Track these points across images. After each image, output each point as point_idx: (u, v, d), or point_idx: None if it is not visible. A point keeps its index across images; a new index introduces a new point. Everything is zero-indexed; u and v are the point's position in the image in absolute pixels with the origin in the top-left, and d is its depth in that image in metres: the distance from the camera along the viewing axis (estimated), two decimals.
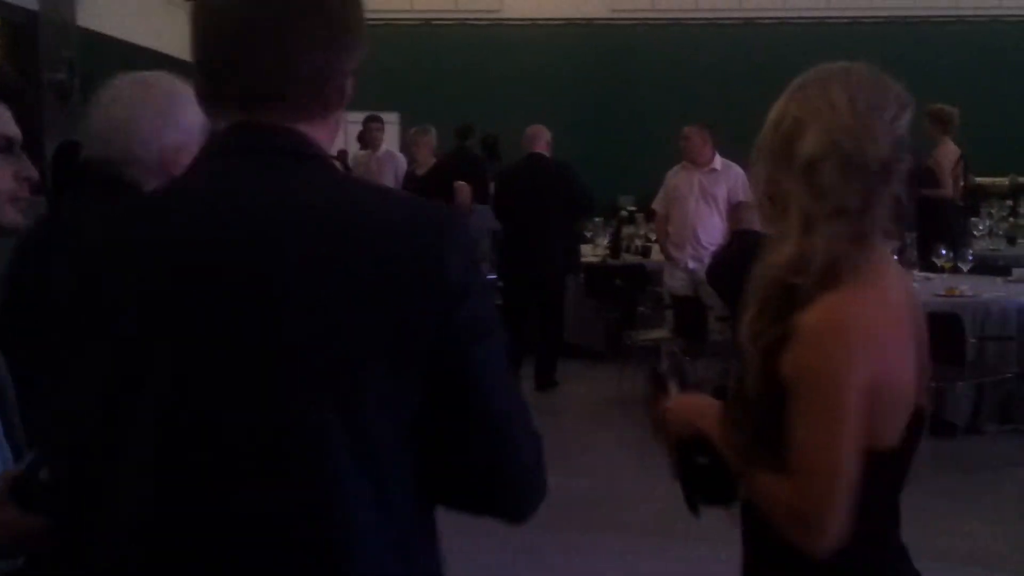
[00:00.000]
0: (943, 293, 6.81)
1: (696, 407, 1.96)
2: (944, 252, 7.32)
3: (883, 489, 1.75)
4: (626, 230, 9.80)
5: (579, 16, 12.89)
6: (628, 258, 9.36)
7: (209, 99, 1.42)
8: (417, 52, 12.64)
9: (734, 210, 7.05)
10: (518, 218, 7.90)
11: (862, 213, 1.72)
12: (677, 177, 7.86)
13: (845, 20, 12.56)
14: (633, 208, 10.23)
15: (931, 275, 7.38)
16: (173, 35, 11.27)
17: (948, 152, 8.49)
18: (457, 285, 1.31)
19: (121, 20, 9.76)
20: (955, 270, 7.35)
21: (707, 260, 7.20)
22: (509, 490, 1.41)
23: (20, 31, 8.12)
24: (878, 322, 1.70)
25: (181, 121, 2.29)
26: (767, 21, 12.71)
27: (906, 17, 12.57)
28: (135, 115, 2.30)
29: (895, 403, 1.70)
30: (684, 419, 1.95)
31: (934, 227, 7.90)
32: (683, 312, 7.55)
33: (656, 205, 8.03)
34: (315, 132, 1.41)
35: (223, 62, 1.38)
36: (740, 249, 6.62)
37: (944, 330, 6.22)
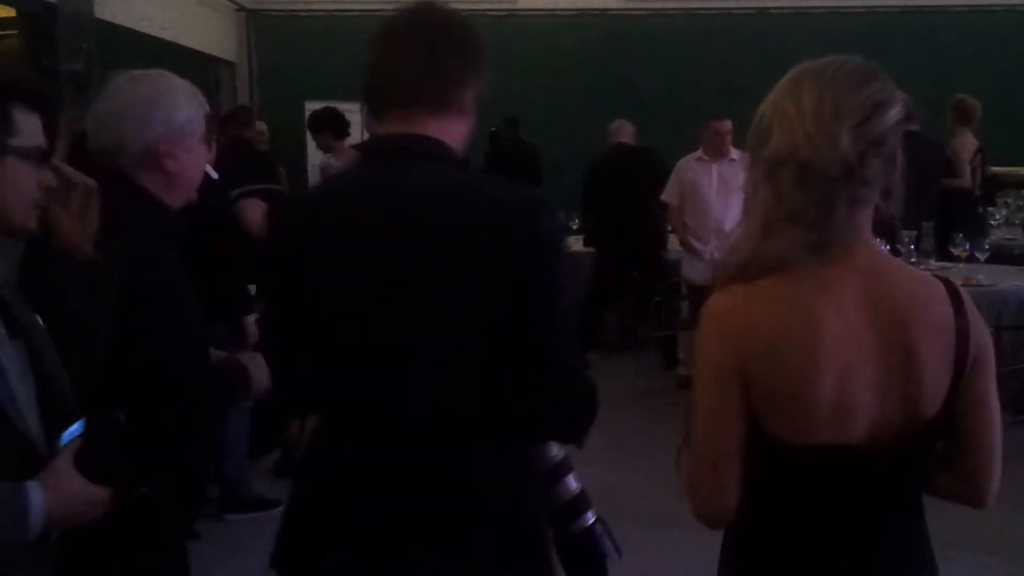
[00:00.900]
0: (960, 283, 6.79)
1: None
2: (961, 241, 7.31)
3: (806, 484, 1.77)
4: None
5: (593, 7, 12.87)
6: None
7: (373, 111, 2.02)
8: None
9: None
10: (609, 201, 8.67)
11: (822, 220, 1.71)
12: (692, 169, 7.82)
13: (860, 9, 12.50)
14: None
15: (948, 264, 7.36)
16: (189, 26, 11.32)
17: (966, 143, 8.47)
18: (543, 243, 1.90)
19: (138, 11, 9.79)
20: (972, 259, 7.32)
21: None
22: (569, 397, 1.99)
23: (38, 22, 8.14)
24: (759, 317, 1.72)
25: (171, 117, 2.41)
26: (782, 11, 12.65)
27: (922, 7, 12.50)
28: (126, 109, 2.40)
29: (794, 402, 1.71)
30: None
31: (951, 217, 7.88)
32: (700, 301, 7.55)
33: (669, 198, 7.96)
34: (448, 137, 1.99)
35: (386, 84, 2.01)
36: None
37: None
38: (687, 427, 1.82)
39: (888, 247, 6.64)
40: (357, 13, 12.82)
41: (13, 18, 8.26)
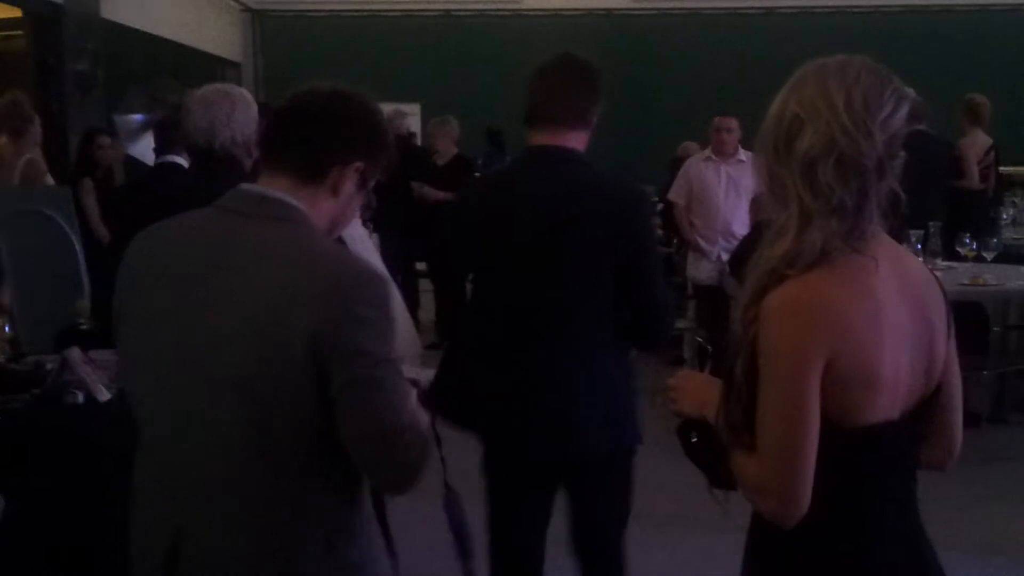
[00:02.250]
0: (967, 282, 6.78)
1: (702, 388, 2.04)
2: (968, 241, 7.29)
3: (861, 465, 1.84)
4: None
5: (600, 7, 12.87)
6: None
7: (530, 125, 3.06)
8: (438, 43, 12.66)
9: (755, 201, 7.02)
10: None
11: (858, 210, 1.80)
12: (700, 169, 7.81)
13: (867, 8, 12.49)
14: (656, 199, 10.22)
15: (955, 264, 7.35)
16: (195, 27, 11.33)
17: (975, 143, 8.43)
18: (643, 218, 3.13)
19: (144, 12, 9.81)
20: (979, 259, 7.31)
21: None
22: (659, 319, 3.14)
23: (45, 23, 8.17)
24: (841, 304, 1.77)
25: (239, 118, 3.53)
26: (789, 11, 12.64)
27: (929, 6, 12.48)
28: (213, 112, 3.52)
29: (864, 383, 1.77)
30: (689, 399, 2.05)
31: (959, 216, 7.86)
32: (706, 301, 7.54)
33: (676, 197, 7.95)
34: (579, 145, 3.07)
35: (538, 106, 3.02)
36: (761, 239, 6.61)
37: (968, 319, 6.20)
38: (739, 430, 1.84)
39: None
40: (363, 14, 12.85)
41: (19, 18, 8.28)
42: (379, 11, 12.81)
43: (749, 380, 1.82)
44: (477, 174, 9.63)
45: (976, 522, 5.13)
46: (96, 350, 4.46)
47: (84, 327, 5.33)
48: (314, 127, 1.99)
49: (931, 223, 7.29)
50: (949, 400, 1.97)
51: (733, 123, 7.66)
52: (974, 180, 8.35)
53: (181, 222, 2.03)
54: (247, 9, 12.95)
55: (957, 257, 7.39)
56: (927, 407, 1.91)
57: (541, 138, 3.03)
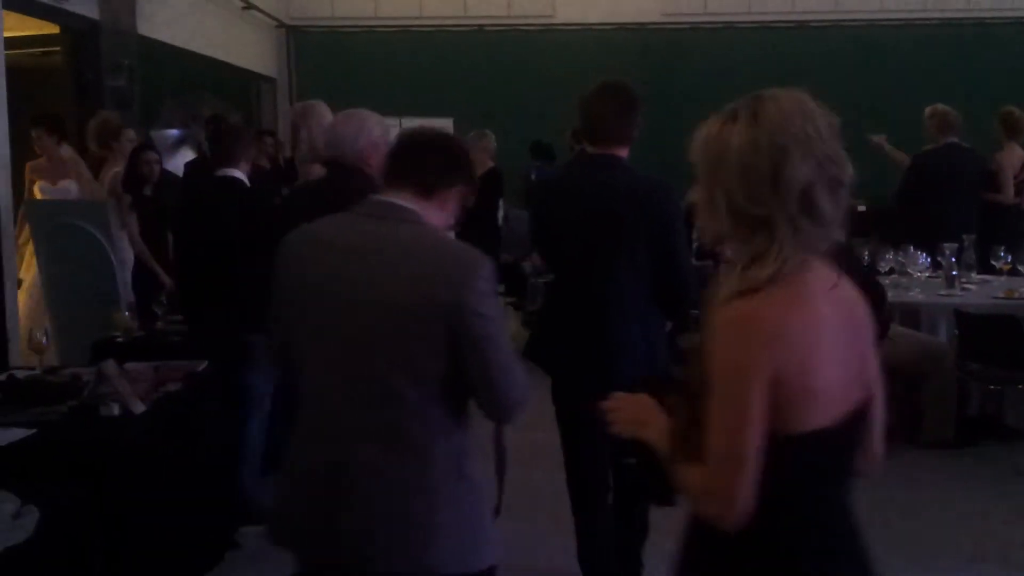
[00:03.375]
0: (1002, 296, 6.74)
1: (638, 409, 2.13)
2: (1003, 254, 7.24)
3: (799, 470, 1.95)
4: None
5: (631, 21, 12.86)
6: None
7: (586, 139, 4.17)
8: (470, 58, 12.70)
9: None
10: None
11: (840, 226, 1.96)
12: None
13: (900, 22, 12.43)
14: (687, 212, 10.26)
15: (989, 277, 7.30)
16: (230, 43, 11.43)
17: (1012, 156, 8.37)
18: (672, 204, 3.99)
19: (180, 28, 9.90)
20: (1014, 272, 7.26)
21: None
22: (686, 290, 3.94)
23: (82, 39, 8.24)
24: (786, 322, 1.88)
25: (369, 135, 4.32)
26: (821, 23, 12.59)
27: (961, 19, 12.40)
28: (344, 130, 4.37)
29: (804, 395, 1.88)
30: (626, 421, 2.15)
31: (993, 229, 7.81)
32: None
33: None
34: (623, 153, 4.05)
35: (592, 127, 4.07)
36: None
37: (1002, 333, 6.15)
38: (685, 438, 1.97)
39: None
40: (396, 29, 12.91)
41: (57, 35, 8.37)
42: (412, 26, 12.87)
43: (702, 392, 1.92)
44: (532, 177, 10.23)
45: (1012, 537, 5.09)
46: (131, 362, 4.51)
47: (120, 339, 5.40)
48: (429, 158, 2.64)
49: (965, 236, 7.25)
50: (876, 411, 2.08)
51: None
52: (1010, 194, 8.28)
53: (330, 222, 2.65)
54: (281, 25, 13.04)
55: (992, 270, 7.34)
56: (862, 417, 2.02)
57: (596, 149, 4.06)
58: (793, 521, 1.98)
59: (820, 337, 1.90)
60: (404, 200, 2.57)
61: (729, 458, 1.89)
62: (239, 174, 5.11)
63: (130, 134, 7.67)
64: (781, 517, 1.95)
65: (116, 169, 7.32)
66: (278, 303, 2.66)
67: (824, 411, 1.91)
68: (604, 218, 3.90)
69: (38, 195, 7.36)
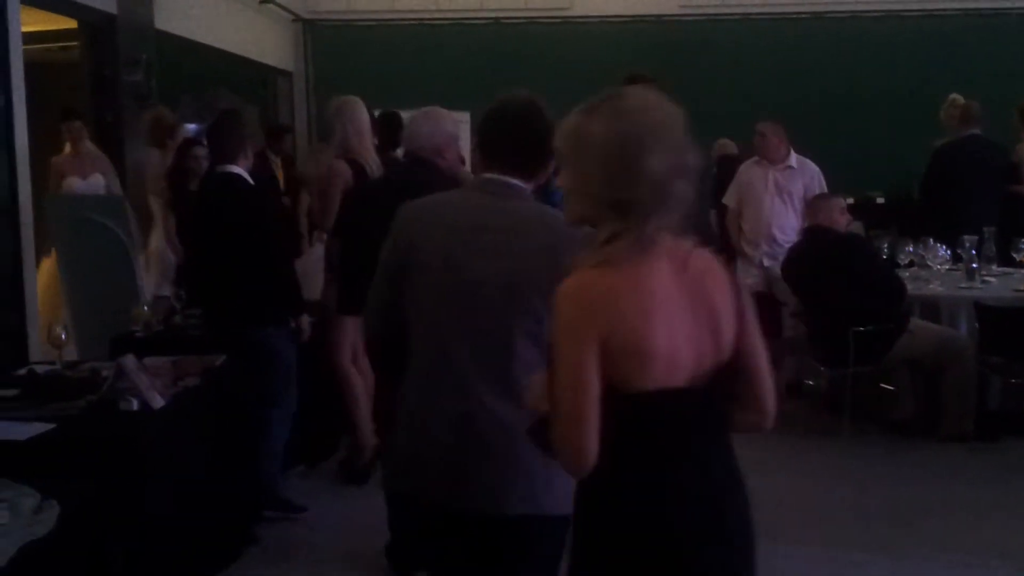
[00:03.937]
0: (1022, 288, 6.69)
1: (541, 384, 2.30)
2: (1023, 247, 7.19)
3: (646, 425, 2.18)
4: None
5: (649, 12, 12.80)
6: None
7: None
8: (487, 51, 12.66)
9: (810, 206, 6.96)
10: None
11: (690, 205, 2.20)
12: (751, 173, 7.77)
13: (920, 12, 12.33)
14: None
15: (1010, 270, 7.25)
16: (246, 37, 11.44)
17: None
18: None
19: (196, 23, 9.90)
20: None
21: (781, 257, 7.13)
22: None
23: (99, 33, 8.25)
24: (615, 293, 2.12)
25: (443, 130, 4.67)
26: (838, 15, 12.51)
27: (980, 10, 12.31)
28: (422, 126, 4.70)
29: (637, 356, 2.12)
30: (533, 395, 2.35)
31: (1013, 222, 7.75)
32: (756, 308, 7.46)
33: (728, 200, 7.92)
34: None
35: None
36: (814, 245, 6.57)
37: (1020, 325, 6.11)
38: (548, 399, 2.18)
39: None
40: (413, 22, 12.90)
41: (74, 29, 8.39)
42: (428, 19, 12.84)
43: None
44: None
45: (979, 527, 5.06)
46: (150, 357, 4.52)
47: (139, 334, 5.41)
48: (522, 136, 2.85)
49: (985, 228, 7.20)
50: (753, 370, 2.29)
51: (768, 128, 7.62)
52: None
53: (445, 198, 2.96)
54: (298, 19, 13.04)
55: (1012, 263, 7.30)
56: (725, 378, 2.24)
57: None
58: (633, 470, 2.18)
59: (655, 306, 2.14)
60: (511, 177, 2.84)
61: (570, 414, 2.12)
62: (238, 170, 5.08)
63: (184, 130, 7.73)
64: (623, 466, 2.16)
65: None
66: (392, 267, 2.86)
67: (666, 373, 2.14)
68: None
69: (65, 189, 7.39)
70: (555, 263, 2.56)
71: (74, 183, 7.36)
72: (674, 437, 2.21)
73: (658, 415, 2.18)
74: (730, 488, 2.29)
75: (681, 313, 2.17)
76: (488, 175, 2.87)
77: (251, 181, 5.15)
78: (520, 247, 2.74)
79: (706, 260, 2.27)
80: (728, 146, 9.50)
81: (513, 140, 2.87)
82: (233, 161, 5.07)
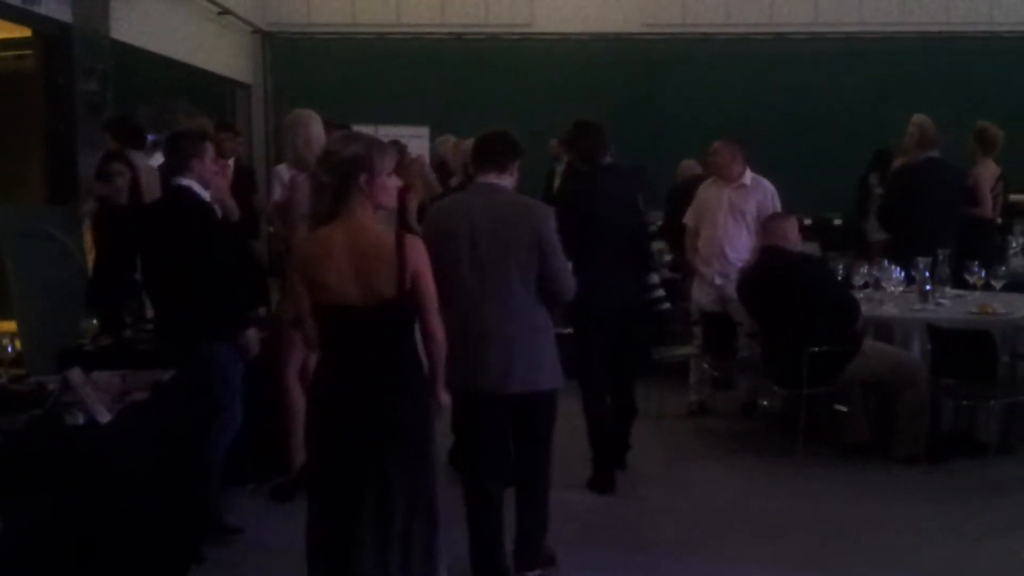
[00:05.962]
0: (975, 311, 6.74)
1: None
2: (977, 269, 7.25)
3: (331, 325, 3.70)
4: (655, 244, 9.70)
5: (610, 30, 12.86)
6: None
7: (583, 157, 6.25)
8: (448, 65, 12.66)
9: (764, 226, 6.96)
10: None
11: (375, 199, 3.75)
12: (708, 192, 7.77)
13: (878, 35, 12.47)
14: (662, 223, 10.18)
15: (964, 292, 7.31)
16: (205, 48, 11.35)
17: (988, 171, 8.37)
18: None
19: (154, 33, 9.81)
20: (988, 287, 7.28)
21: (734, 276, 7.14)
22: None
23: (54, 43, 8.15)
24: (310, 248, 3.68)
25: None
26: (799, 35, 12.63)
27: (942, 32, 12.46)
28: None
29: (319, 286, 3.63)
30: None
31: (968, 244, 7.81)
32: (712, 328, 7.49)
33: (687, 219, 7.91)
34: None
35: (587, 148, 6.22)
36: (769, 265, 6.58)
37: (976, 347, 6.15)
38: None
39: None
40: (373, 35, 12.86)
41: (28, 38, 8.28)
42: (388, 33, 12.82)
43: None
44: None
45: (985, 552, 5.09)
46: (98, 371, 4.45)
47: (87, 347, 5.33)
48: (498, 148, 4.60)
49: (940, 250, 7.25)
50: (421, 307, 3.69)
51: (721, 146, 7.64)
52: (988, 208, 8.27)
53: (459, 198, 4.76)
54: (257, 30, 12.97)
55: (966, 285, 7.35)
56: (394, 308, 3.62)
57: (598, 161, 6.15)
58: (323, 355, 3.78)
59: (327, 257, 3.60)
60: (494, 179, 4.56)
61: (296, 314, 3.76)
62: (187, 182, 5.04)
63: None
64: (322, 353, 3.78)
65: None
66: (433, 246, 3.95)
67: (335, 296, 3.60)
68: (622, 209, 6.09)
69: None
70: (532, 230, 4.42)
71: None
72: (355, 336, 3.66)
73: (334, 321, 3.66)
74: (405, 392, 3.70)
75: (340, 263, 3.59)
76: (479, 180, 4.59)
77: (203, 195, 5.09)
78: (511, 223, 4.43)
79: (375, 236, 3.63)
80: (692, 167, 9.49)
81: (490, 151, 4.60)
82: (182, 173, 5.02)
